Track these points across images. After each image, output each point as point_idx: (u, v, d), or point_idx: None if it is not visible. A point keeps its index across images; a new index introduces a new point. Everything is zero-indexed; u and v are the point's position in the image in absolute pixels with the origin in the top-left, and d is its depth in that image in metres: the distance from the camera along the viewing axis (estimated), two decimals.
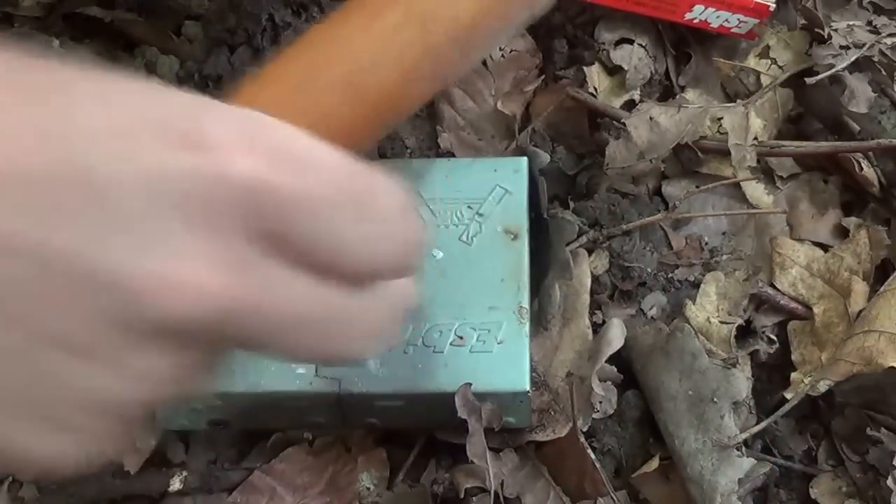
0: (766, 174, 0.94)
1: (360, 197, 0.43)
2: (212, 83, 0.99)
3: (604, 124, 0.95)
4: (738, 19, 0.95)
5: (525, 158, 0.89)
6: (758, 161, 0.92)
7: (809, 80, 0.92)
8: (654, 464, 0.82)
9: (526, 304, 0.83)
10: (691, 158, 0.93)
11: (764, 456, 0.84)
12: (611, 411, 0.83)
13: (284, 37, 0.98)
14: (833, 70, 0.92)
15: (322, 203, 0.41)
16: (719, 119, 0.93)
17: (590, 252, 0.89)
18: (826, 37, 0.94)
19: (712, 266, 0.91)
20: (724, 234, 0.93)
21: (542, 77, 0.97)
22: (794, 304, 0.88)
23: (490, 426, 0.79)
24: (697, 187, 0.93)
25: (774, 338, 0.87)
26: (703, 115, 0.93)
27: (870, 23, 0.98)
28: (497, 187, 0.87)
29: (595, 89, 0.96)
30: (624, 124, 0.92)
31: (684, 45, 0.99)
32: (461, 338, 0.82)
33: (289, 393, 0.81)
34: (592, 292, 0.87)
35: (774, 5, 0.94)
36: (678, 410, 0.82)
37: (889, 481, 0.80)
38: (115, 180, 0.37)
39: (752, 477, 0.80)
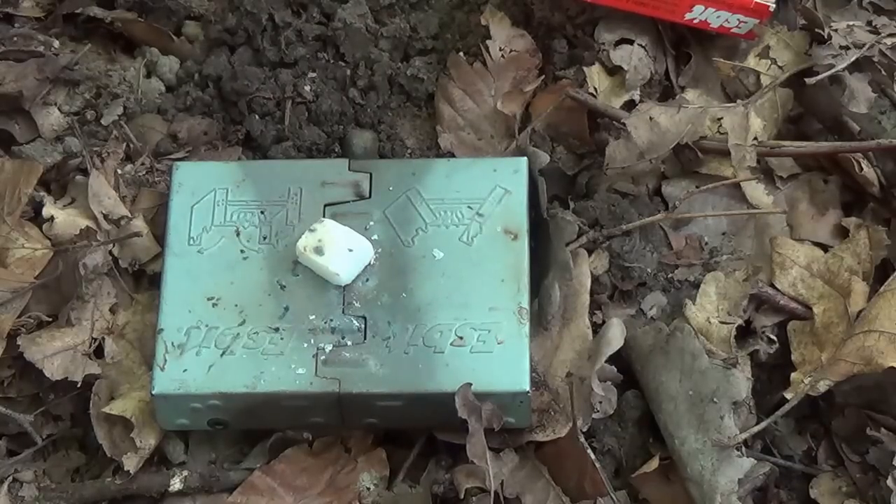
0: (766, 174, 0.94)
1: None
2: (212, 83, 0.99)
3: (604, 124, 0.95)
4: (738, 19, 0.95)
5: (525, 158, 0.89)
6: (758, 161, 0.92)
7: (809, 80, 0.92)
8: (654, 464, 0.82)
9: (526, 304, 0.83)
10: (691, 158, 0.93)
11: (764, 456, 0.84)
12: (611, 411, 0.83)
13: (284, 37, 0.98)
14: (833, 70, 0.92)
15: None
16: (719, 119, 0.93)
17: (590, 252, 0.89)
18: (826, 37, 0.94)
19: (712, 266, 0.91)
20: (724, 234, 0.93)
21: (542, 77, 0.97)
22: (794, 304, 0.88)
23: (490, 426, 0.79)
24: (697, 187, 0.93)
25: (774, 338, 0.87)
26: (703, 115, 0.93)
27: (870, 23, 0.98)
28: (497, 187, 0.87)
29: (595, 89, 0.96)
30: (624, 124, 0.92)
31: (684, 45, 0.99)
32: (461, 338, 0.82)
33: (289, 393, 0.81)
34: (592, 292, 0.87)
35: (774, 5, 0.94)
36: (678, 411, 0.82)
37: (889, 481, 0.80)
38: None
39: (752, 477, 0.80)
